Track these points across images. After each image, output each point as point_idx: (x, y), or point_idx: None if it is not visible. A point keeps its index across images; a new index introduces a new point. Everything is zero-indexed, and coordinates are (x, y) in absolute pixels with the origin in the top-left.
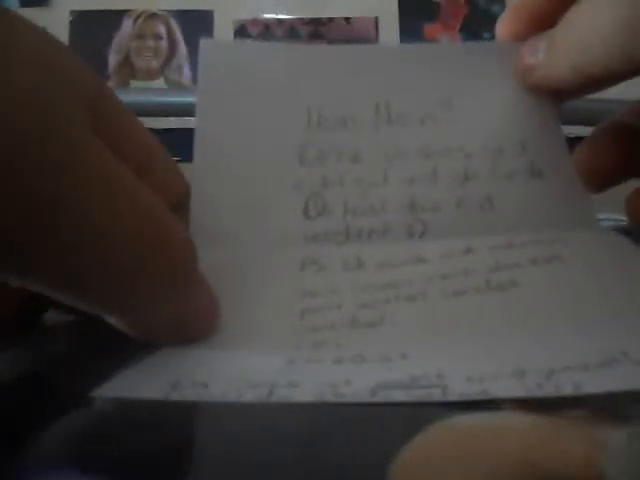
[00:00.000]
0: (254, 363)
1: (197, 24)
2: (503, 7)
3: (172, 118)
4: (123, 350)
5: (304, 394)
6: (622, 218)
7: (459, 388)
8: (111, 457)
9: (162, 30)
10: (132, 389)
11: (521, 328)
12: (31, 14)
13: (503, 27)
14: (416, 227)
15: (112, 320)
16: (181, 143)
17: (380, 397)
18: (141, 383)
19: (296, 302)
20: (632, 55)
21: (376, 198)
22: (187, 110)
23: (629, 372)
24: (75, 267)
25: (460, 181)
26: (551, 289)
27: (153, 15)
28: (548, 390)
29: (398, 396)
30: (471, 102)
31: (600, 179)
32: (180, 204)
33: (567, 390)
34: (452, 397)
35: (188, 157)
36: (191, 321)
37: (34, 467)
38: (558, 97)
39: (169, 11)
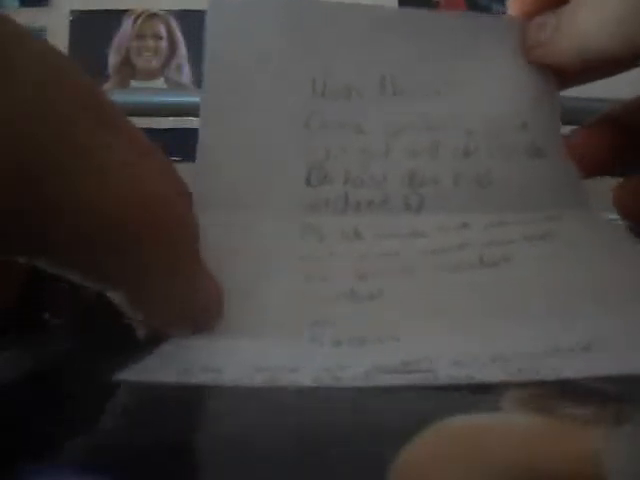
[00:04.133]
0: (260, 347)
1: (197, 24)
2: (504, 4)
3: (172, 118)
4: (124, 348)
5: (303, 379)
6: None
7: (446, 372)
8: (110, 457)
9: (162, 30)
10: (148, 374)
11: (508, 309)
12: (31, 14)
13: (514, 5)
14: (414, 200)
15: (117, 299)
16: (181, 143)
17: (374, 381)
18: (157, 369)
19: (297, 265)
20: (635, 41)
21: (377, 169)
22: (187, 110)
23: (607, 358)
24: (81, 247)
25: (460, 156)
26: (541, 268)
27: (153, 15)
28: (528, 375)
29: (390, 380)
30: (475, 79)
31: (589, 167)
32: None
33: (547, 375)
34: (441, 381)
35: (188, 157)
36: (196, 306)
37: (34, 467)
38: (560, 80)
39: (169, 11)
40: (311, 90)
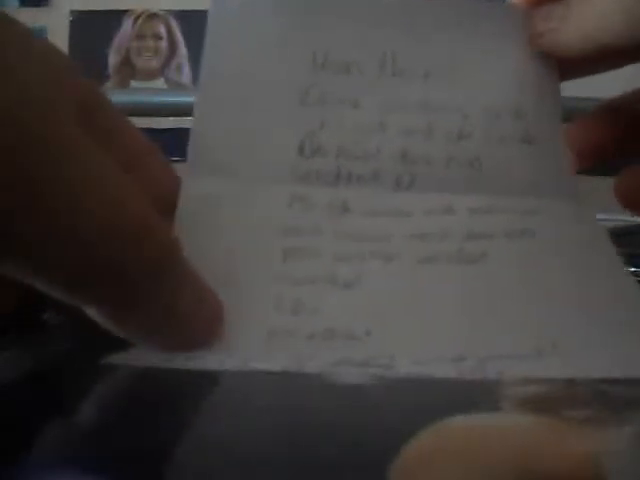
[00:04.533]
0: (238, 330)
1: (197, 24)
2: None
3: (172, 118)
4: (123, 348)
5: (273, 366)
6: (622, 218)
7: (405, 370)
8: (107, 456)
9: (162, 30)
10: (135, 359)
11: (475, 310)
12: (31, 14)
13: None
14: (404, 178)
15: (93, 315)
16: (181, 143)
17: (338, 370)
18: (143, 354)
19: (279, 239)
20: None
21: (370, 144)
22: (187, 110)
23: (552, 363)
24: (47, 252)
25: (454, 139)
26: (515, 269)
27: (153, 15)
28: (476, 375)
29: (353, 372)
30: (474, 64)
31: (589, 157)
32: (170, 203)
33: (491, 375)
34: (396, 376)
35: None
36: (183, 325)
37: (35, 467)
38: (563, 71)
39: (169, 11)
40: (311, 63)
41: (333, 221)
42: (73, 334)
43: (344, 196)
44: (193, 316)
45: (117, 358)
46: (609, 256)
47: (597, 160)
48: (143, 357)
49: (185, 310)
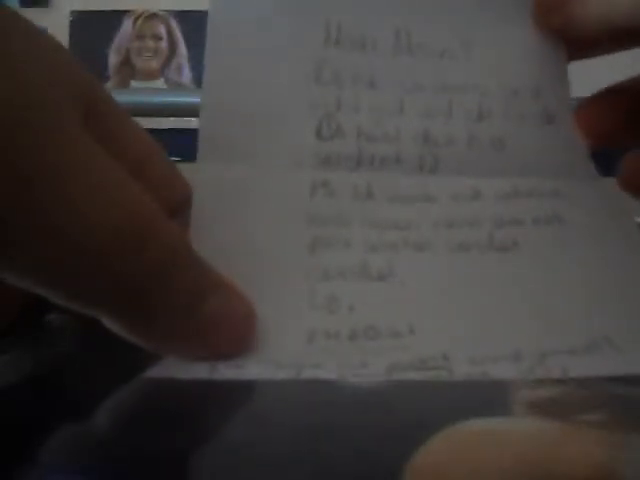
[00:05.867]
0: (273, 333)
1: (197, 24)
2: None
3: (172, 118)
4: (125, 350)
5: (329, 374)
6: None
7: (463, 370)
8: (111, 459)
9: (162, 30)
10: (178, 371)
11: (520, 302)
12: (31, 14)
13: None
14: (428, 160)
15: (105, 322)
16: (181, 143)
17: (394, 376)
18: (184, 366)
19: (305, 229)
20: None
21: (390, 126)
22: (187, 110)
23: (611, 358)
24: (50, 256)
25: (474, 119)
26: (551, 257)
27: (153, 15)
28: (539, 373)
29: (410, 376)
30: (490, 42)
31: (596, 136)
32: (179, 206)
33: (556, 374)
34: (457, 378)
35: (188, 157)
36: (208, 330)
37: (36, 468)
38: (572, 51)
39: (169, 11)
40: (324, 39)
41: (359, 208)
42: (76, 336)
43: (368, 180)
44: (219, 319)
45: (157, 371)
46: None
47: (605, 141)
48: (184, 369)
49: (208, 313)
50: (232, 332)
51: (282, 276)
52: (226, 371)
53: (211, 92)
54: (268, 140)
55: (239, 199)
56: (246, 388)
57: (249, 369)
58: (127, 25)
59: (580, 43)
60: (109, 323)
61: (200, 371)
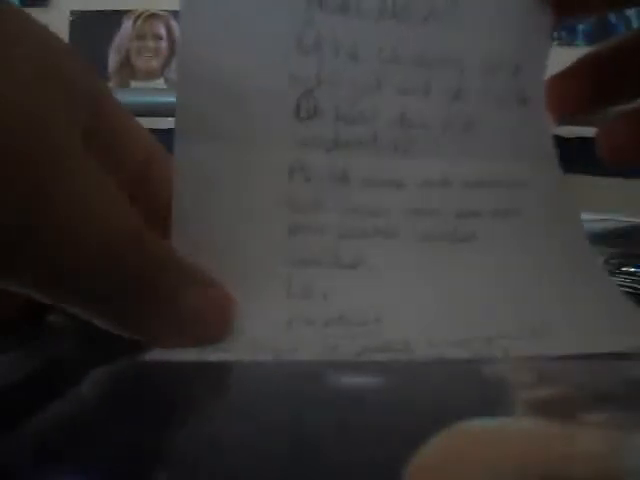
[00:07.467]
0: (255, 318)
1: None
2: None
3: (172, 118)
4: (125, 349)
5: (305, 355)
6: (622, 219)
7: (422, 351)
8: (111, 458)
9: (162, 30)
10: (171, 354)
11: (472, 290)
12: (31, 14)
13: None
14: (402, 142)
15: (99, 324)
16: None
17: (362, 359)
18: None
19: (284, 215)
20: None
21: (368, 105)
22: None
23: (550, 341)
24: (47, 265)
25: (450, 98)
26: (502, 250)
27: (153, 15)
28: (484, 354)
29: (376, 358)
30: (475, 9)
31: (570, 106)
32: None
33: (499, 354)
34: (417, 358)
35: None
36: (192, 322)
37: (36, 468)
38: (564, 9)
39: (169, 11)
40: (306, 1)
41: (334, 193)
42: (76, 336)
43: (343, 162)
44: (200, 311)
45: (154, 354)
46: (582, 238)
47: (575, 112)
48: (174, 352)
49: (190, 307)
50: (215, 320)
51: (262, 261)
52: (210, 354)
53: (187, 62)
54: (244, 121)
55: (219, 184)
56: (225, 376)
57: (231, 352)
58: (127, 25)
59: (569, 5)
60: (101, 323)
61: (188, 354)
